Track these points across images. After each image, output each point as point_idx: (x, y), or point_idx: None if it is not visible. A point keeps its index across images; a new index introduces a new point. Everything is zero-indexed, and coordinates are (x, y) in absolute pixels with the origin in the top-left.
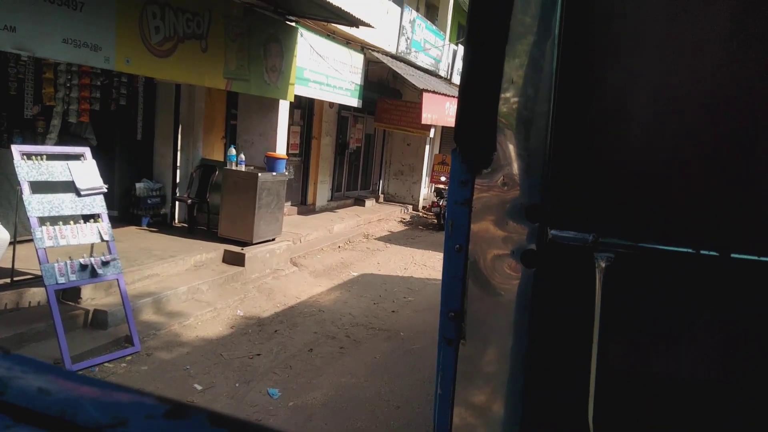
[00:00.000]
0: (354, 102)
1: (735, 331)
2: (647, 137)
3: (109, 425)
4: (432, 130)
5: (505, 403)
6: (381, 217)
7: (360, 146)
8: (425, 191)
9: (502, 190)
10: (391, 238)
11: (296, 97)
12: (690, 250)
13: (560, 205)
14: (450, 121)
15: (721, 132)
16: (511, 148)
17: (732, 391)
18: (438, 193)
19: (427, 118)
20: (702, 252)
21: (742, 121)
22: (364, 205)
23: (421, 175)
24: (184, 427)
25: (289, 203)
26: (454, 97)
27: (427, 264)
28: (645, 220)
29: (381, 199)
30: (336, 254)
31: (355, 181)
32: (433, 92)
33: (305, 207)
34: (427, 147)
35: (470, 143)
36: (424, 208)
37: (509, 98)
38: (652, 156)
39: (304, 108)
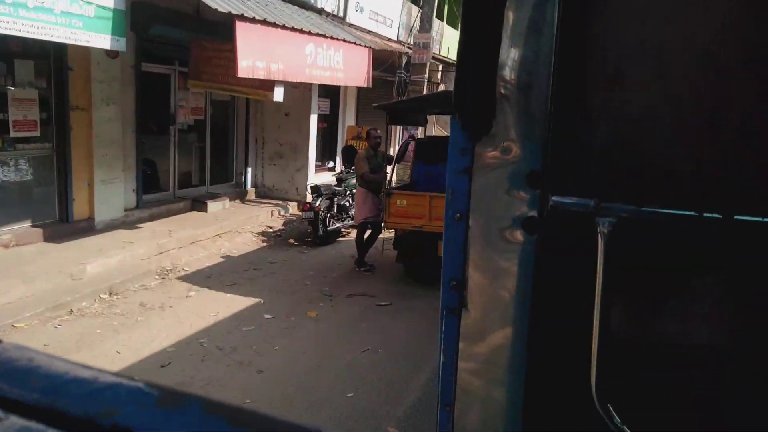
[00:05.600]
0: (102, 40)
1: (740, 294)
2: (649, 100)
3: (99, 414)
4: (281, 90)
5: (508, 370)
6: (230, 227)
7: (203, 119)
8: (317, 180)
9: (502, 157)
10: (217, 272)
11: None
12: (693, 213)
13: (562, 170)
14: (318, 74)
15: (725, 92)
16: (511, 113)
17: (737, 355)
18: (316, 190)
19: (250, 67)
20: (705, 215)
21: (748, 81)
22: (206, 210)
23: (308, 157)
24: (177, 414)
25: (28, 222)
26: (327, 37)
27: (238, 347)
28: (648, 183)
29: (252, 196)
30: (45, 334)
31: (199, 173)
32: (263, 23)
33: (68, 226)
34: (313, 116)
35: (469, 109)
36: (308, 204)
37: (508, 62)
38: (655, 118)
39: (41, 57)
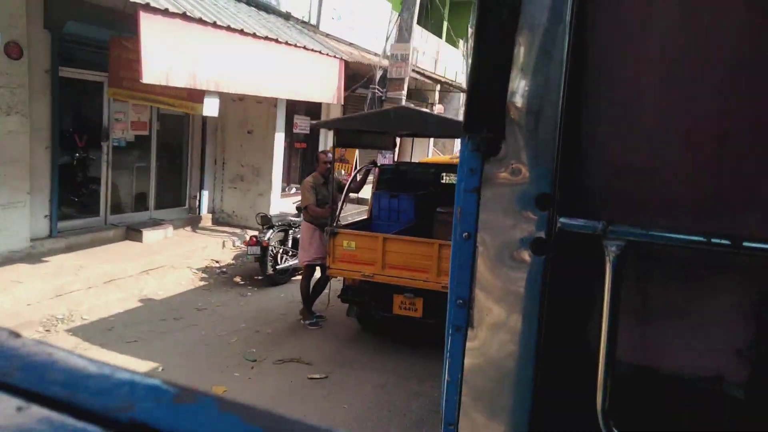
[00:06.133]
0: None
1: (748, 321)
2: (658, 126)
3: (117, 408)
4: (214, 102)
5: (513, 391)
6: (165, 261)
7: (147, 135)
8: (283, 207)
9: (511, 178)
10: (123, 323)
11: None
12: (701, 239)
13: (570, 193)
14: (273, 87)
15: (734, 121)
16: (521, 136)
17: (746, 383)
18: (266, 221)
19: (162, 72)
20: (713, 240)
21: (756, 110)
22: (141, 240)
23: (271, 181)
24: (192, 410)
25: None
26: (284, 44)
27: None
28: (656, 208)
29: (207, 222)
30: None
31: (141, 196)
32: (183, 17)
33: None
34: (279, 135)
35: (479, 131)
36: (254, 237)
37: (519, 86)
38: (664, 145)
39: None
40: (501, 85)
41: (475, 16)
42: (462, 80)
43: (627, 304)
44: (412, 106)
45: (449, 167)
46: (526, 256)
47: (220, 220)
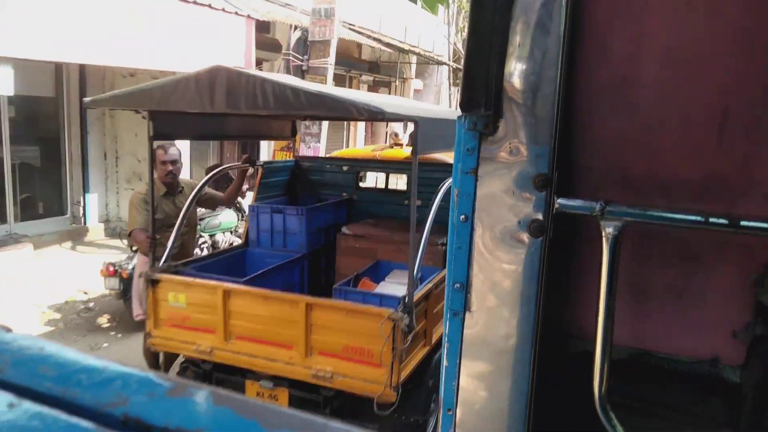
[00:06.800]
0: None
1: (745, 301)
2: (656, 103)
3: (111, 403)
4: (7, 73)
5: (512, 373)
6: (9, 297)
7: None
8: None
9: (509, 158)
10: None
11: None
12: (699, 218)
13: (568, 173)
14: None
15: (734, 99)
16: (518, 115)
17: (742, 365)
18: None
19: None
20: (711, 220)
21: (755, 86)
22: None
23: None
24: (187, 405)
25: None
26: None
27: None
28: (654, 187)
29: (97, 234)
30: None
31: None
32: None
33: None
34: None
35: (476, 109)
36: (112, 265)
37: (516, 62)
38: (662, 122)
39: None
40: (498, 62)
41: None
42: (441, 51)
43: (624, 284)
44: (244, 70)
45: (372, 163)
46: (524, 237)
47: (115, 230)
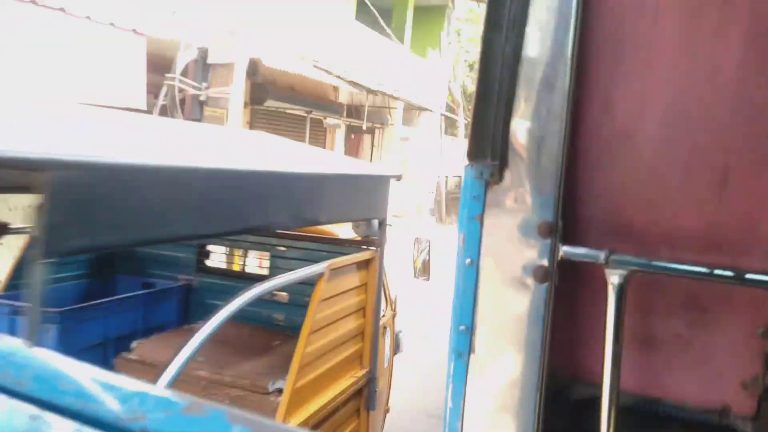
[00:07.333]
0: None
1: (754, 352)
2: (658, 158)
3: (128, 419)
4: None
5: (516, 418)
6: None
7: None
8: None
9: (514, 206)
10: None
11: None
12: (704, 270)
13: (572, 221)
14: None
15: (734, 155)
16: (523, 165)
17: (751, 416)
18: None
19: None
20: (716, 272)
21: (756, 145)
22: None
23: None
24: (203, 423)
25: None
26: None
27: None
28: (657, 239)
29: None
30: None
31: None
32: None
33: None
34: None
35: (482, 159)
36: None
37: (521, 116)
38: (664, 176)
39: None
40: (505, 115)
41: (479, 50)
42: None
43: (630, 332)
44: None
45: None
46: (529, 282)
47: None
